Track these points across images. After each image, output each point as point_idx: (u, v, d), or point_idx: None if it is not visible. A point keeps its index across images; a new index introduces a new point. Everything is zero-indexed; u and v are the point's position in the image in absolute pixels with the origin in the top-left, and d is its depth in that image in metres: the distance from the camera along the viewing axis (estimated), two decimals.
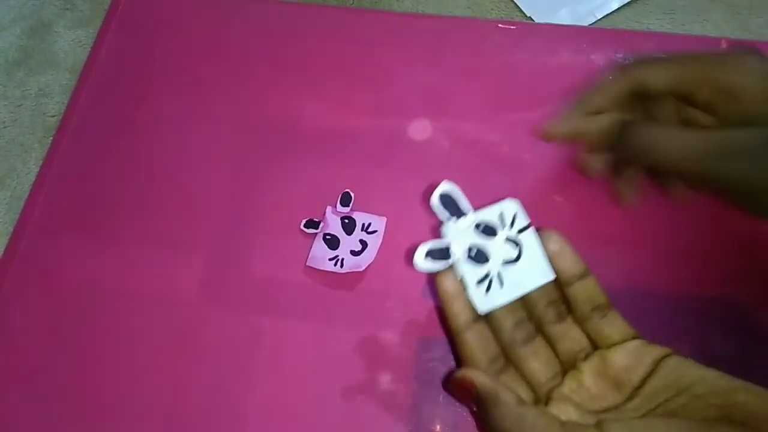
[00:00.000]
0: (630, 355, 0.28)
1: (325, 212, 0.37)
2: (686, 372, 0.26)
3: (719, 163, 0.29)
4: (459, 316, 0.29)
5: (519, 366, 0.30)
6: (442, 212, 0.30)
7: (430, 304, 0.35)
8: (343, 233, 0.36)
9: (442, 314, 0.32)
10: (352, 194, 0.37)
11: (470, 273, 0.29)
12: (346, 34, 0.43)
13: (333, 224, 0.37)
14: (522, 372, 0.30)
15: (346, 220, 0.37)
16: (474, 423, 0.32)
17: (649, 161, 0.30)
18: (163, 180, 0.39)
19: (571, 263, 0.29)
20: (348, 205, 0.37)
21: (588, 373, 0.29)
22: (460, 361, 0.30)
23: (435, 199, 0.30)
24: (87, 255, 0.37)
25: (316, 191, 0.38)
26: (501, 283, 0.29)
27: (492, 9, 0.44)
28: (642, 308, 0.34)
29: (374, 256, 0.36)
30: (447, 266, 0.29)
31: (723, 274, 0.35)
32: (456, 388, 0.28)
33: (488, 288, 0.29)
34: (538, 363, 0.29)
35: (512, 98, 0.40)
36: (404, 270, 0.35)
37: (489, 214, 0.30)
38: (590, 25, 0.43)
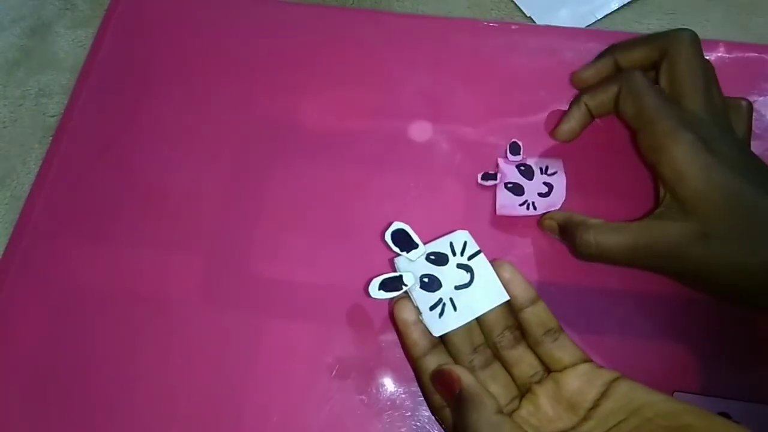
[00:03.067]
0: (581, 378, 0.29)
1: (497, 163, 0.37)
2: (636, 395, 0.27)
3: (650, 262, 0.31)
4: (417, 343, 0.30)
5: None
6: (394, 249, 0.31)
7: None
8: (524, 179, 0.36)
9: (402, 343, 0.32)
10: (521, 143, 0.36)
11: (422, 300, 0.31)
12: (346, 34, 0.43)
13: (510, 173, 0.36)
14: None
15: (522, 167, 0.36)
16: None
17: (595, 258, 0.32)
18: (163, 180, 0.39)
19: (522, 289, 0.31)
20: (519, 154, 0.36)
21: (543, 397, 0.29)
22: (422, 387, 0.31)
23: (388, 237, 0.31)
24: (87, 255, 0.37)
25: (314, 191, 0.38)
26: (454, 307, 0.30)
27: (492, 9, 0.44)
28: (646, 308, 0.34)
29: (564, 194, 0.35)
30: (400, 295, 0.31)
31: None
32: (440, 381, 0.29)
33: (441, 313, 0.30)
34: (497, 387, 0.30)
35: (513, 98, 0.40)
36: None
37: (439, 246, 0.32)
38: (590, 25, 0.43)
